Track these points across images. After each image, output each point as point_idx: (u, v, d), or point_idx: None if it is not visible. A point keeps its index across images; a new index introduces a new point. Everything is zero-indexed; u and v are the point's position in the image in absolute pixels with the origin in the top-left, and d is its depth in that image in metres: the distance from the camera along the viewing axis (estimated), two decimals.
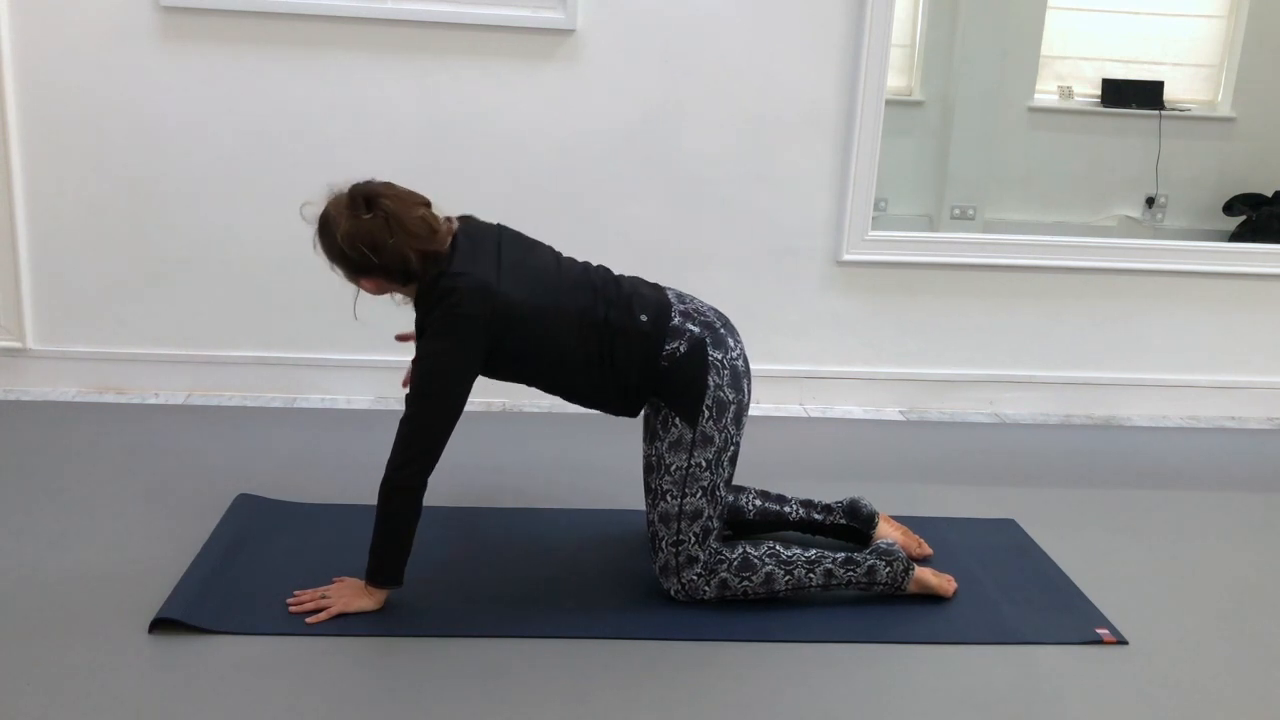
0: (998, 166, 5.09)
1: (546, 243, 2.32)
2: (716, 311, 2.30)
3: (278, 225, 3.31)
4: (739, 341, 2.28)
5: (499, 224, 2.28)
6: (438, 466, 2.13)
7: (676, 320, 2.21)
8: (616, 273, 2.31)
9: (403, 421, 2.11)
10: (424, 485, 2.13)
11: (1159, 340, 3.70)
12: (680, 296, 2.28)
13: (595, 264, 2.32)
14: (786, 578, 2.26)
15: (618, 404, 2.27)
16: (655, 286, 2.29)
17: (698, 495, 2.22)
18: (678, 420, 2.20)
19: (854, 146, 3.39)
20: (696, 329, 2.21)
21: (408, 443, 2.11)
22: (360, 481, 2.68)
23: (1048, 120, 5.23)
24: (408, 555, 2.18)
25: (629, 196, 3.37)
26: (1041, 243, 3.64)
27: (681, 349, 2.19)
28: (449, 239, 2.14)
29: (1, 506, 2.59)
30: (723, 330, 2.26)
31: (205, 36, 3.19)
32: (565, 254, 2.31)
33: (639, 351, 2.19)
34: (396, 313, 2.26)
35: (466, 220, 2.25)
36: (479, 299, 2.07)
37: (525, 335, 2.15)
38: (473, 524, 2.60)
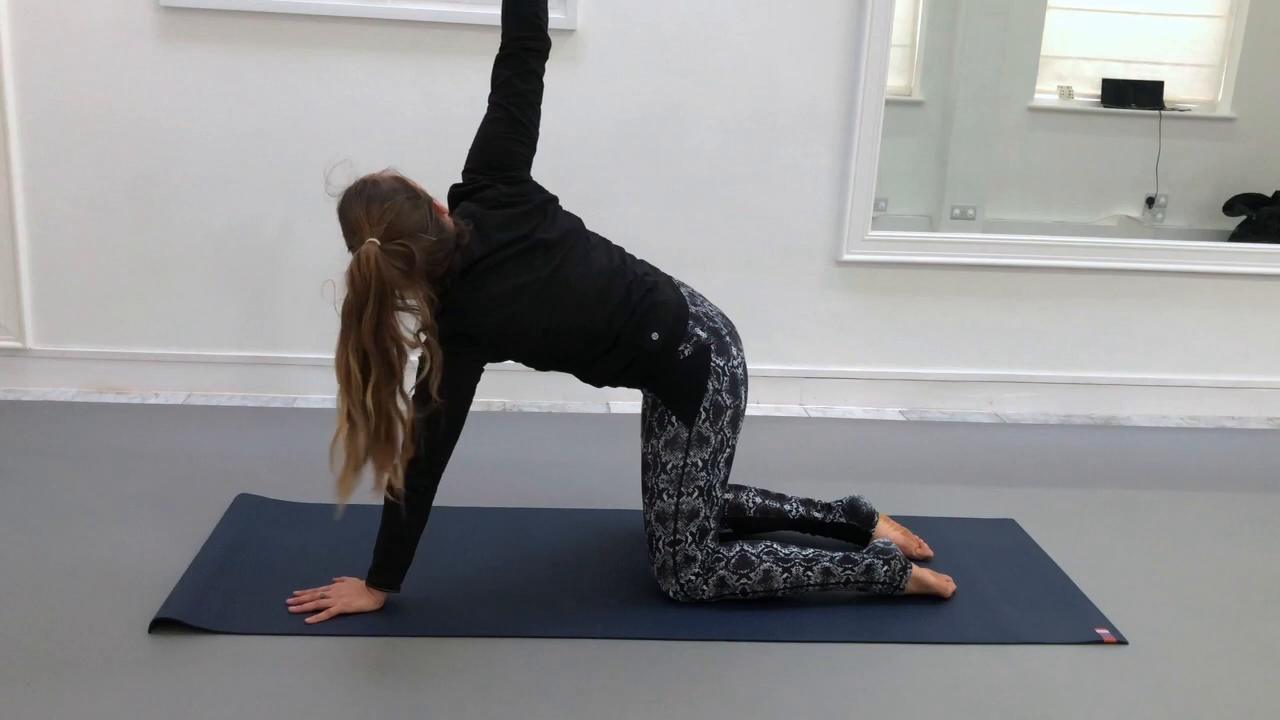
0: (998, 166, 5.09)
1: (590, 232, 2.24)
2: (724, 317, 2.30)
3: (278, 225, 3.31)
4: (741, 350, 2.29)
5: (545, 222, 2.14)
6: None
7: (687, 325, 2.21)
8: (646, 270, 2.25)
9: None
10: (426, 488, 2.12)
11: (1159, 340, 3.70)
12: (693, 297, 2.27)
13: (629, 258, 2.25)
14: (784, 575, 2.26)
15: (602, 383, 2.29)
16: (675, 288, 2.26)
17: (694, 495, 2.22)
18: (674, 419, 2.21)
19: (854, 146, 3.39)
20: (704, 334, 2.21)
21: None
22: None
23: (1048, 120, 5.23)
24: (408, 562, 2.18)
25: (629, 196, 3.38)
26: (1041, 243, 3.64)
27: (686, 351, 2.19)
28: (456, 257, 2.05)
29: (1, 506, 2.59)
30: (728, 338, 2.26)
31: (205, 36, 3.19)
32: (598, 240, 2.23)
33: (641, 365, 2.20)
34: None
35: (517, 212, 2.12)
36: (461, 340, 2.06)
37: (523, 350, 2.17)
38: (473, 524, 2.60)
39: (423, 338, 2.00)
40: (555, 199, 2.19)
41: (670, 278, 2.29)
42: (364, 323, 1.91)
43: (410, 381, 2.09)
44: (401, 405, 1.97)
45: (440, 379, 2.01)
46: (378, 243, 1.93)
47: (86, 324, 3.38)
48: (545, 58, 2.21)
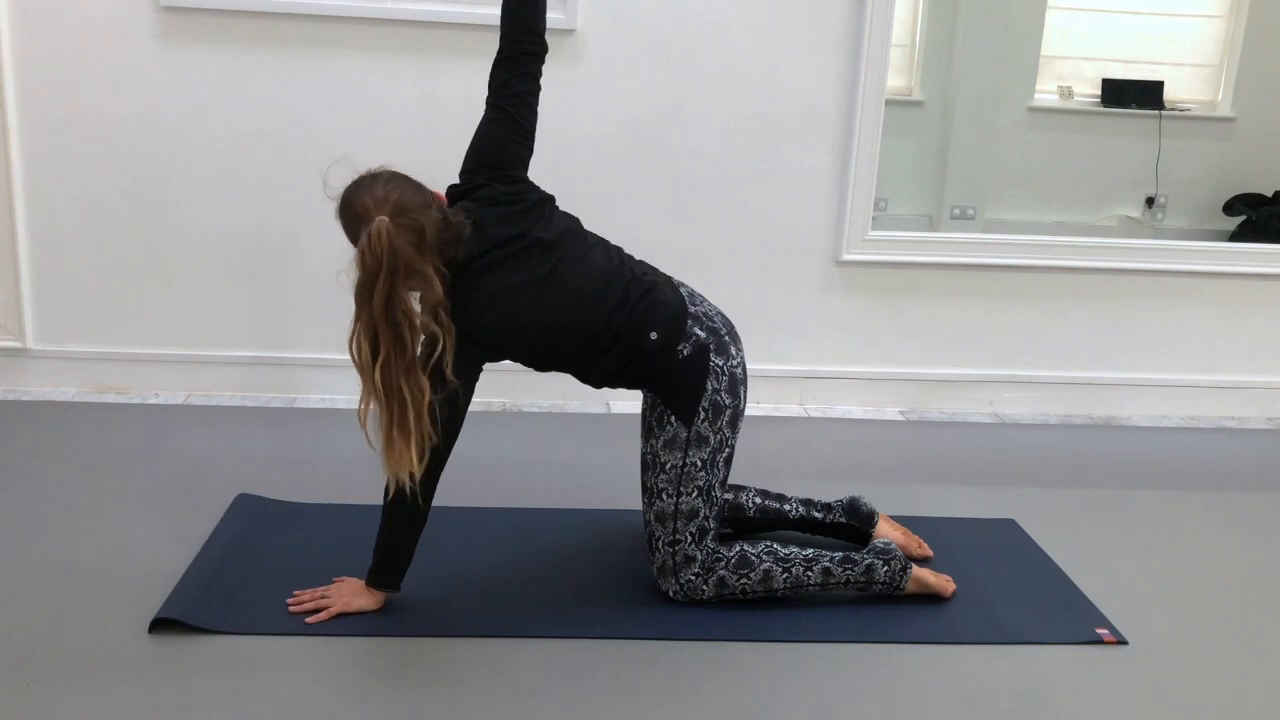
0: (998, 166, 5.10)
1: (588, 231, 2.23)
2: (723, 317, 2.30)
3: (277, 225, 3.31)
4: (740, 350, 2.29)
5: (542, 220, 2.14)
6: None
7: (685, 324, 2.21)
8: (644, 270, 2.25)
9: None
10: (426, 487, 2.12)
11: (1159, 340, 3.70)
12: (692, 297, 2.27)
13: (627, 258, 2.24)
14: (784, 575, 2.26)
15: (601, 384, 2.29)
16: (675, 288, 2.25)
17: (693, 494, 2.22)
18: (673, 419, 2.21)
19: (854, 146, 3.39)
20: (703, 334, 2.21)
21: None
22: (360, 481, 2.67)
23: (1048, 120, 5.23)
24: (407, 562, 2.18)
25: (629, 196, 3.38)
26: (1041, 243, 3.64)
27: (685, 351, 2.19)
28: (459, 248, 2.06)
29: (1, 506, 2.59)
30: (727, 338, 2.26)
31: (204, 36, 3.19)
32: (595, 239, 2.23)
33: (640, 365, 2.20)
34: None
35: (514, 211, 2.12)
36: (459, 338, 2.03)
37: (522, 349, 2.18)
38: (473, 524, 2.60)
39: (437, 315, 1.97)
40: (552, 198, 2.19)
41: (670, 278, 2.29)
42: (375, 299, 1.90)
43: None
44: (415, 384, 1.95)
45: (454, 360, 1.99)
46: (388, 219, 1.93)
47: (86, 324, 3.38)
48: (542, 61, 2.22)
